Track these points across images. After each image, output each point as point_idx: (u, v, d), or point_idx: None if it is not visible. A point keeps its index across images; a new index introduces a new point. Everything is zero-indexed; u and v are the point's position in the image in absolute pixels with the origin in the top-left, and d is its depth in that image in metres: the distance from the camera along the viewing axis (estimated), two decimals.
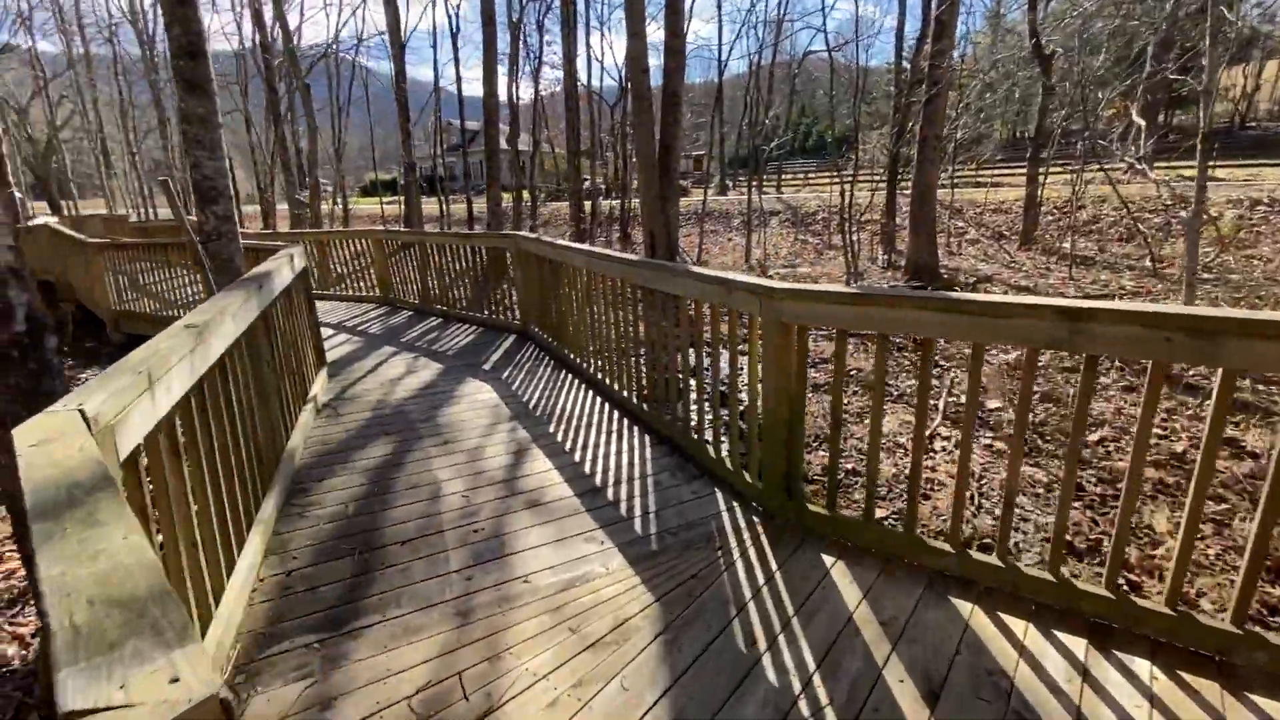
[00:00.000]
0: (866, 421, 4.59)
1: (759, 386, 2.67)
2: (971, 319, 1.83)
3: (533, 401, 3.99)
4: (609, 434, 3.42)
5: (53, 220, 11.94)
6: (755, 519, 2.50)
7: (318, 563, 2.27)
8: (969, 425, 1.96)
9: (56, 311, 10.08)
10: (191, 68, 3.03)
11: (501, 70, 16.39)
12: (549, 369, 4.70)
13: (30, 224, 12.84)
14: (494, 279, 6.36)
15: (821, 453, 4.15)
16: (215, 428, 1.99)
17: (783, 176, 30.42)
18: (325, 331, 6.20)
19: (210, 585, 1.79)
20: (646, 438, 3.36)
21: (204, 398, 1.94)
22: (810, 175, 32.56)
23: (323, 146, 24.85)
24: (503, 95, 17.56)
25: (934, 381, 5.16)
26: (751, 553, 2.28)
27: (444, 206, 21.41)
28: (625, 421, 3.59)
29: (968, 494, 2.78)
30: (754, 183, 14.72)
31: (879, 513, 3.21)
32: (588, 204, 16.18)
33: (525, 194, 21.76)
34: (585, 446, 3.26)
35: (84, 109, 32.61)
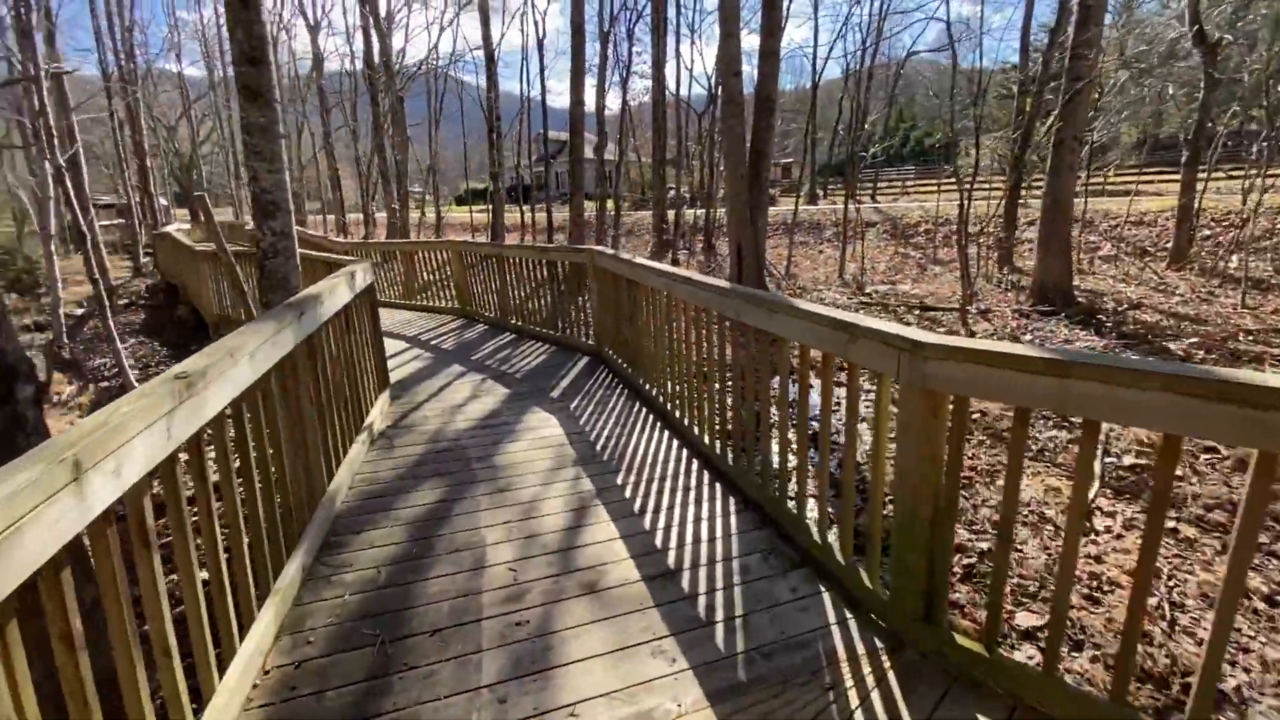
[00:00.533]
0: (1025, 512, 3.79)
1: (887, 466, 2.05)
2: None
3: (601, 440, 3.54)
4: (685, 491, 2.90)
5: (172, 228, 12.94)
6: (878, 643, 1.89)
7: (334, 652, 1.90)
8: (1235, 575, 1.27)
9: (174, 313, 10.84)
10: (253, 74, 2.85)
11: (590, 81, 16.35)
12: (621, 399, 4.24)
13: (159, 231, 14.02)
14: (570, 295, 6.01)
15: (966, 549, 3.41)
16: (215, 495, 1.65)
17: (878, 185, 28.76)
18: (398, 345, 6.08)
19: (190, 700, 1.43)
20: (730, 500, 2.80)
21: (198, 459, 1.61)
22: (909, 183, 30.61)
23: (418, 157, 26.07)
24: (590, 105, 17.55)
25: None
26: (876, 700, 1.68)
27: (526, 216, 21.68)
28: (705, 475, 3.05)
29: (1149, 603, 2.02)
30: (849, 191, 13.73)
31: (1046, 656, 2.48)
32: (671, 213, 15.75)
33: (609, 203, 21.70)
34: (658, 509, 2.75)
35: (220, 127, 36.03)
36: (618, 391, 4.41)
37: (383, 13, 17.97)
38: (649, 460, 3.26)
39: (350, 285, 3.31)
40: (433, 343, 6.26)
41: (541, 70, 19.85)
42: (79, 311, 11.21)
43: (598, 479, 3.03)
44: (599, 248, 5.19)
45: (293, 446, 2.31)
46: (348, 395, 3.23)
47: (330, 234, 29.11)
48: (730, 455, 3.01)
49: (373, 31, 16.02)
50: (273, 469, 2.11)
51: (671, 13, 21.12)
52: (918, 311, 8.70)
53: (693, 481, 2.99)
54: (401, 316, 7.80)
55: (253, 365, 1.89)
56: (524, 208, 22.18)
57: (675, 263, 13.08)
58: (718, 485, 2.95)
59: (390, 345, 6.11)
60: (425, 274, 8.17)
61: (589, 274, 5.27)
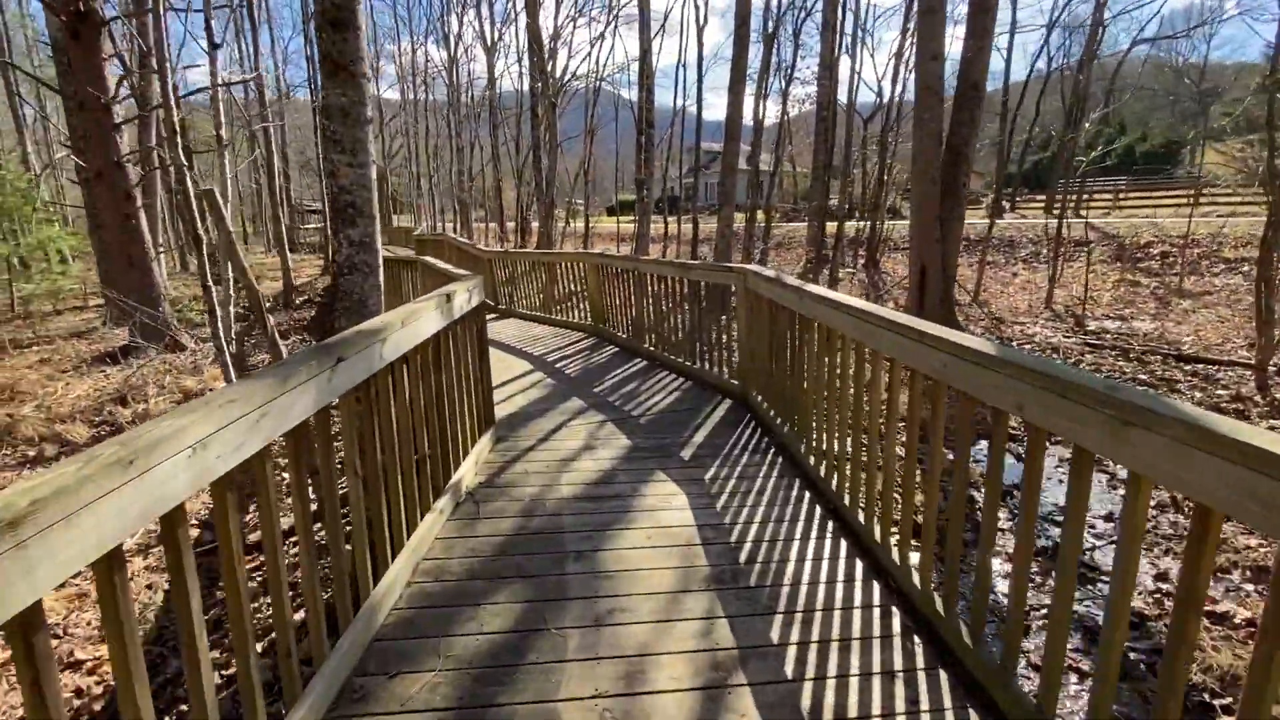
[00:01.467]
0: None
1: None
2: None
3: (744, 539, 2.52)
4: (884, 675, 1.78)
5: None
6: None
7: None
8: None
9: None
10: (336, 41, 2.28)
11: (747, 89, 15.30)
12: (772, 470, 3.19)
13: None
14: (712, 320, 5.05)
15: None
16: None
17: (1083, 197, 24.34)
18: (519, 367, 5.51)
19: None
20: (941, 675, 1.66)
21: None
22: (1121, 195, 25.57)
23: (568, 168, 26.75)
24: (748, 116, 16.52)
25: None
26: None
27: (668, 227, 21.09)
28: (895, 618, 1.94)
29: None
30: (1050, 203, 11.29)
31: None
32: (832, 225, 14.17)
33: (760, 214, 20.44)
34: (842, 708, 1.67)
35: (409, 143, 40.17)
36: (767, 457, 3.36)
37: (546, 32, 18.51)
38: (813, 587, 2.18)
39: (444, 310, 2.63)
40: (557, 365, 5.63)
41: (700, 60, 19.11)
42: (267, 305, 12.28)
43: (741, 624, 2.01)
44: (752, 267, 4.16)
45: (329, 543, 1.59)
46: (429, 450, 2.54)
47: (490, 240, 31.02)
48: (918, 573, 1.84)
49: (526, 52, 16.41)
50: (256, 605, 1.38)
51: (840, 8, 19.44)
52: (1174, 362, 6.54)
53: (892, 654, 1.86)
54: (533, 331, 7.36)
55: (193, 464, 1.15)
56: (670, 219, 21.64)
57: (835, 282, 11.60)
58: (916, 643, 1.82)
59: (511, 366, 5.58)
60: (565, 284, 7.68)
61: (738, 298, 4.26)
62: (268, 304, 13.06)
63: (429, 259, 6.04)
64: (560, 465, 3.30)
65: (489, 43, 28.37)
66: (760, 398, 3.99)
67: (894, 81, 14.87)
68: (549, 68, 15.63)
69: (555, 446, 3.57)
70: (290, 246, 31.35)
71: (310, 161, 30.85)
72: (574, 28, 19.47)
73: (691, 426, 3.85)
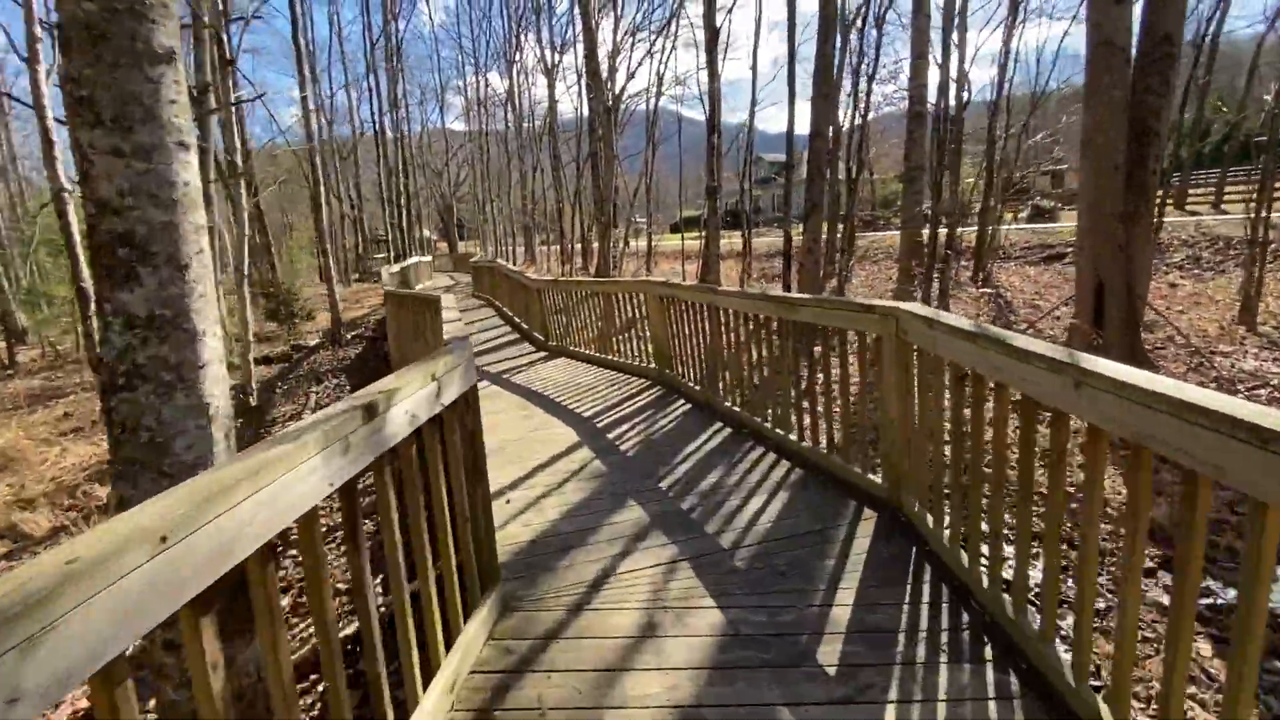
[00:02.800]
0: None
1: None
2: None
3: None
4: None
5: (410, 262, 13.31)
6: None
7: None
8: None
9: (382, 349, 10.72)
10: None
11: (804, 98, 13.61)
12: (987, 687, 1.63)
13: (401, 264, 14.78)
14: (841, 376, 3.51)
15: None
16: None
17: (1224, 189, 20.87)
18: (558, 439, 4.14)
19: None
20: None
21: None
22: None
23: (627, 187, 25.76)
24: (808, 124, 14.80)
25: None
26: None
27: (735, 241, 19.50)
28: None
29: None
30: (1258, 193, 8.99)
31: None
32: (936, 232, 12.18)
33: (836, 225, 18.53)
34: None
35: (474, 170, 40.70)
36: (963, 650, 1.80)
37: (605, 48, 17.64)
38: None
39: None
40: (610, 435, 4.22)
41: (791, 55, 17.57)
42: (313, 342, 11.69)
43: None
44: (907, 307, 2.60)
45: None
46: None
47: (551, 263, 30.49)
48: None
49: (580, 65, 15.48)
50: None
51: None
52: None
53: None
54: (584, 377, 6.02)
55: None
56: (743, 233, 20.07)
57: (945, 301, 9.70)
58: None
59: (550, 436, 4.23)
60: (623, 315, 6.33)
61: (885, 354, 2.72)
62: (315, 339, 12.54)
63: (443, 298, 4.85)
64: (603, 681, 1.86)
65: (549, 65, 28.08)
66: (931, 520, 2.43)
67: (1004, 62, 12.80)
68: (607, 83, 14.61)
69: (597, 624, 2.13)
70: (361, 276, 32.01)
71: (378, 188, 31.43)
72: (633, 43, 18.42)
73: (823, 575, 2.32)
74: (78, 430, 6.48)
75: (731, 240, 25.09)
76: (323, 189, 10.54)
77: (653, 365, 5.66)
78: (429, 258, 25.67)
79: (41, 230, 10.84)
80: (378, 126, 28.79)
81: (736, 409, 4.20)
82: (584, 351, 6.92)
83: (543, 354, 7.65)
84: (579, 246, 27.64)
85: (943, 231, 16.35)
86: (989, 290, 11.54)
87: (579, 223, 27.15)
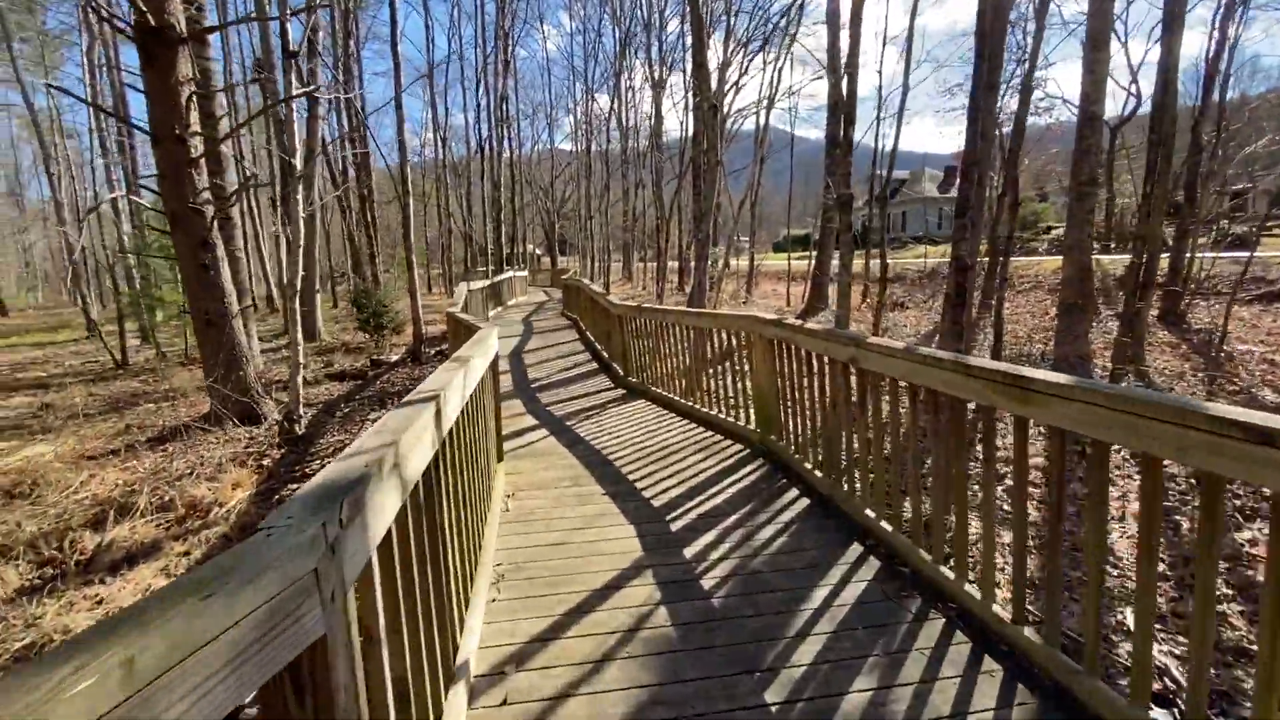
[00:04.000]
0: None
1: None
2: None
3: None
4: None
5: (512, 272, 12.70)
6: None
7: None
8: None
9: None
10: None
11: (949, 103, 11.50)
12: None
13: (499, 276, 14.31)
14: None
15: None
16: None
17: None
18: (615, 557, 2.80)
19: None
20: None
21: None
22: None
23: (734, 202, 24.33)
24: (936, 142, 12.65)
25: None
26: None
27: (870, 260, 17.47)
28: None
29: None
30: None
31: None
32: (1101, 257, 9.76)
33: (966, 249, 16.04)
34: None
35: (579, 188, 41.05)
36: None
37: (715, 59, 16.49)
38: None
39: None
40: (686, 549, 2.85)
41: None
42: (394, 358, 11.25)
43: None
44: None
45: None
46: None
47: (648, 281, 29.60)
48: None
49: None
50: None
51: None
52: None
53: None
54: (664, 435, 4.71)
55: None
56: (874, 251, 18.03)
57: (1139, 349, 7.45)
58: None
59: (604, 533, 2.96)
60: (719, 353, 4.99)
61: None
62: (396, 355, 12.21)
63: (484, 328, 3.73)
64: None
65: (656, 79, 27.46)
66: None
67: (1218, 51, 10.18)
68: (714, 83, 13.41)
69: None
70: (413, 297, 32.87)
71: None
72: (745, 54, 17.08)
73: None
74: (128, 449, 6.06)
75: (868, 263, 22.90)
76: (411, 200, 10.07)
77: (754, 427, 4.26)
78: (525, 272, 25.58)
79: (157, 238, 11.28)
80: (487, 145, 29.46)
81: (885, 526, 2.72)
82: (668, 395, 5.64)
83: (620, 392, 6.44)
84: (675, 264, 26.60)
85: (1111, 258, 13.61)
86: (1203, 338, 8.99)
87: (679, 240, 26.09)
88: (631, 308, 6.59)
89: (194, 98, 5.81)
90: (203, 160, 6.14)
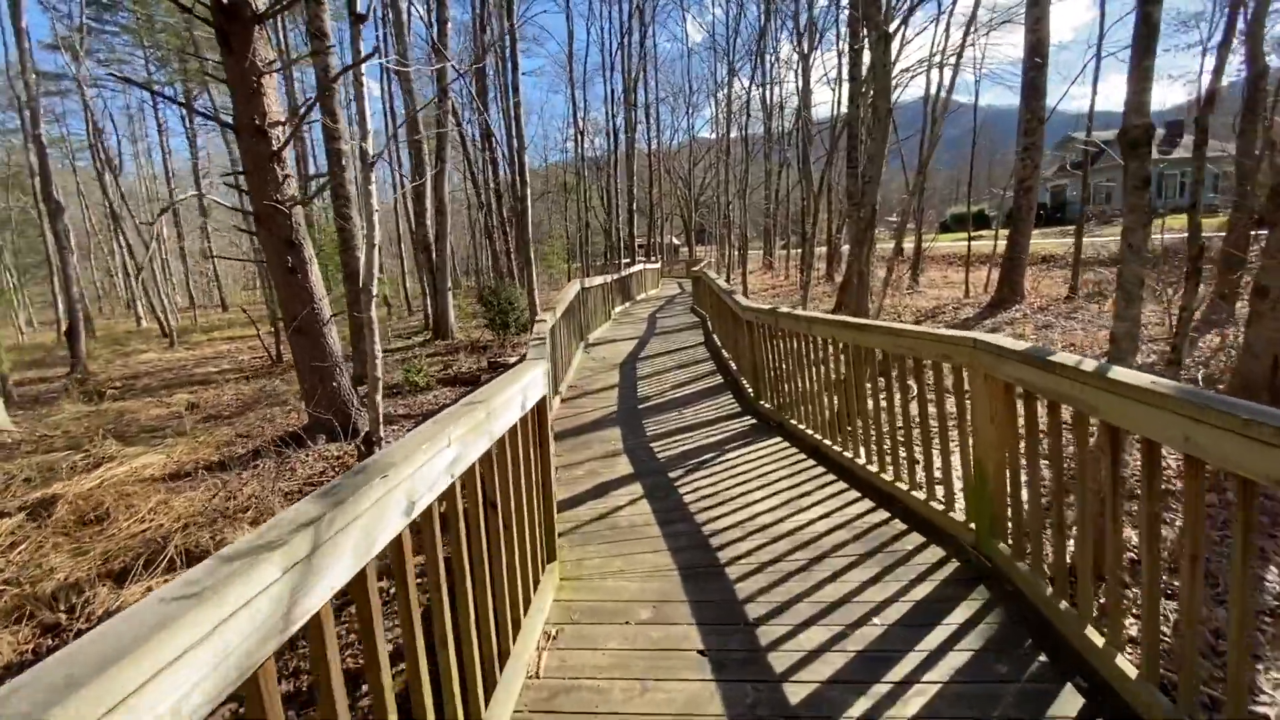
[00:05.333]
0: None
1: None
2: None
3: None
4: None
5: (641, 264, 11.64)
6: None
7: None
8: None
9: None
10: None
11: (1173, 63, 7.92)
12: None
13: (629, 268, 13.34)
14: None
15: None
16: None
17: None
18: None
19: None
20: None
21: None
22: None
23: (899, 182, 21.11)
24: (1166, 95, 9.03)
25: None
26: None
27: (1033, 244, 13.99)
28: None
29: None
30: None
31: None
32: None
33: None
34: None
35: (718, 175, 39.25)
36: None
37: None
38: None
39: None
40: None
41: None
42: (513, 359, 10.61)
43: None
44: None
45: None
46: None
47: (791, 270, 27.08)
48: None
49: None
50: None
51: None
52: None
53: None
54: (809, 513, 3.11)
55: None
56: (1079, 233, 14.54)
57: None
58: None
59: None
60: (899, 389, 3.28)
61: None
62: (516, 356, 11.66)
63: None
64: None
65: (804, 51, 24.86)
66: None
67: None
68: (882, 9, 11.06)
69: None
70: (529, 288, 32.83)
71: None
72: (909, 5, 14.22)
73: None
74: (220, 465, 5.74)
75: (1039, 242, 18.86)
76: (529, 194, 9.26)
77: (966, 520, 2.54)
78: (657, 264, 24.56)
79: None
80: (622, 136, 28.87)
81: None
82: (813, 435, 4.00)
83: (748, 422, 4.89)
84: (823, 250, 23.94)
85: None
86: None
87: (827, 223, 23.47)
88: (764, 311, 4.99)
89: (262, 83, 5.23)
90: (284, 153, 5.60)
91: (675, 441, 4.61)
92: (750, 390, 5.48)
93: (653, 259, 28.45)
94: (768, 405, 4.96)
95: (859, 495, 3.21)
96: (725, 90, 33.48)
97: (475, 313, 19.26)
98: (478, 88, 15.31)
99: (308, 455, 5.81)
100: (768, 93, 29.67)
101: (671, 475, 3.86)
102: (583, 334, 8.88)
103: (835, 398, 3.75)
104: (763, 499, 3.32)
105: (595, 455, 4.44)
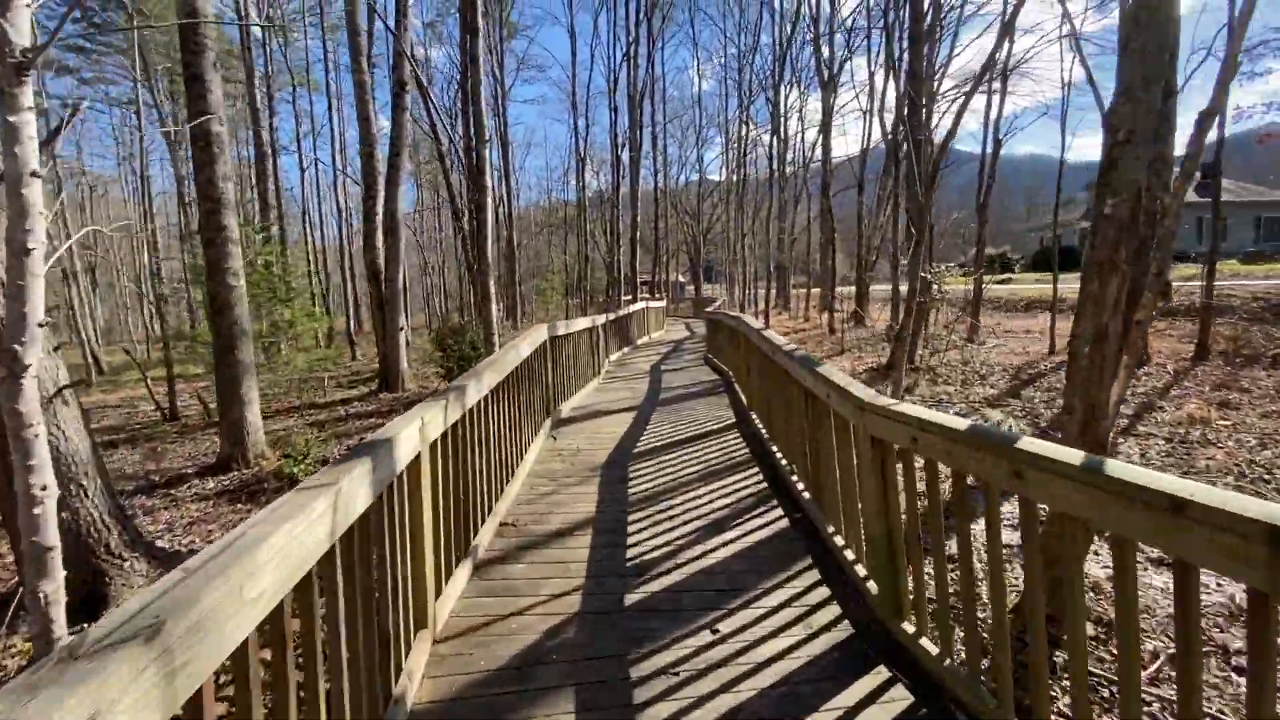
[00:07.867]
0: None
1: None
2: None
3: None
4: None
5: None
6: None
7: None
8: None
9: None
10: None
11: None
12: None
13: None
14: None
15: None
16: None
17: None
18: None
19: None
20: None
21: None
22: None
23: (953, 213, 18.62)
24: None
25: None
26: None
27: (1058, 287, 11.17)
28: None
29: None
30: None
31: None
32: None
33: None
34: None
35: (728, 209, 37.11)
36: None
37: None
38: None
39: None
40: None
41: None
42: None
43: None
44: None
45: None
46: None
47: (811, 311, 24.40)
48: None
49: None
50: None
51: None
52: None
53: None
54: None
55: None
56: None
57: None
58: None
59: None
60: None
61: None
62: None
63: None
64: None
65: (825, 78, 22.81)
66: None
67: None
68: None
69: None
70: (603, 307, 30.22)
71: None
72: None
73: None
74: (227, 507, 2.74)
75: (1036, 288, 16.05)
76: (489, 199, 6.54)
77: None
78: (662, 303, 21.76)
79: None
80: (626, 158, 26.64)
81: None
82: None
83: (881, 678, 2.00)
84: (845, 290, 21.27)
85: None
86: None
87: (858, 259, 20.86)
88: (910, 422, 2.11)
89: None
90: None
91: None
92: (816, 507, 2.58)
93: (657, 296, 25.82)
94: (911, 618, 2.07)
95: None
96: (738, 124, 31.45)
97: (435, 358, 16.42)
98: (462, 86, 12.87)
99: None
100: (782, 123, 27.63)
101: None
102: (550, 407, 5.85)
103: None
104: None
105: None
